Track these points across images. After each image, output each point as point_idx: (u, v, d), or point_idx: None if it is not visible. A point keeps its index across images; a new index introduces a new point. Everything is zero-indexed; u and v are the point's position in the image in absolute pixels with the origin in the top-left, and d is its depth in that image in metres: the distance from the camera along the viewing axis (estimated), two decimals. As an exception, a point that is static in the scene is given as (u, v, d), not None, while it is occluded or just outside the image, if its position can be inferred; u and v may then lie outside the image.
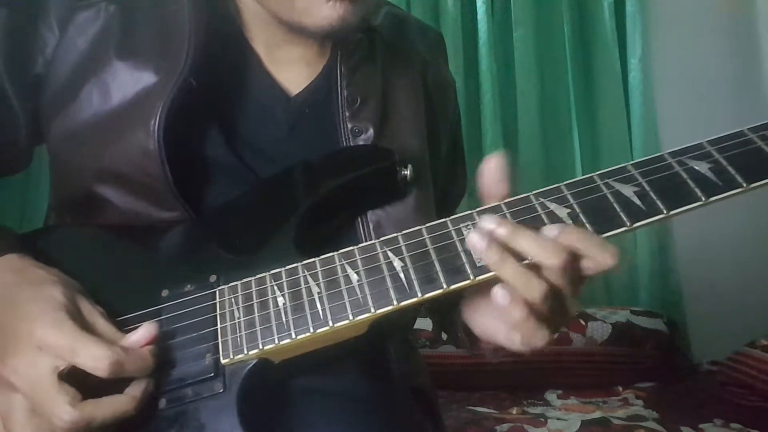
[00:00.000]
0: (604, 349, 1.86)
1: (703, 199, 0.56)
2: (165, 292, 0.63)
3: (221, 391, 0.57)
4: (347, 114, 0.73)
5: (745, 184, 0.56)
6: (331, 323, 0.57)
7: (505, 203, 0.59)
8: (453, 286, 0.56)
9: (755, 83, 2.05)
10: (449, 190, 0.91)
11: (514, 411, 1.63)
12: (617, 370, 1.85)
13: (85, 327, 0.55)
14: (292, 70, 0.76)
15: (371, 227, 0.70)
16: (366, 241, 0.68)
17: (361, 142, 0.73)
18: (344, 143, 0.73)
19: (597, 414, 1.57)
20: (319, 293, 0.58)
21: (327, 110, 0.74)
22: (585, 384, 1.82)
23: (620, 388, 1.79)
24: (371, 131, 0.73)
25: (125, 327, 0.60)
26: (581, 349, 1.87)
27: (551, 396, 1.79)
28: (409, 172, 0.69)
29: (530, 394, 1.79)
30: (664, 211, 0.56)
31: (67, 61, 0.70)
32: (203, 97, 0.69)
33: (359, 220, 0.70)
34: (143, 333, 0.57)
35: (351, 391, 0.67)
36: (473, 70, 2.24)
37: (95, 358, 0.53)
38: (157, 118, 0.65)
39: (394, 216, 0.71)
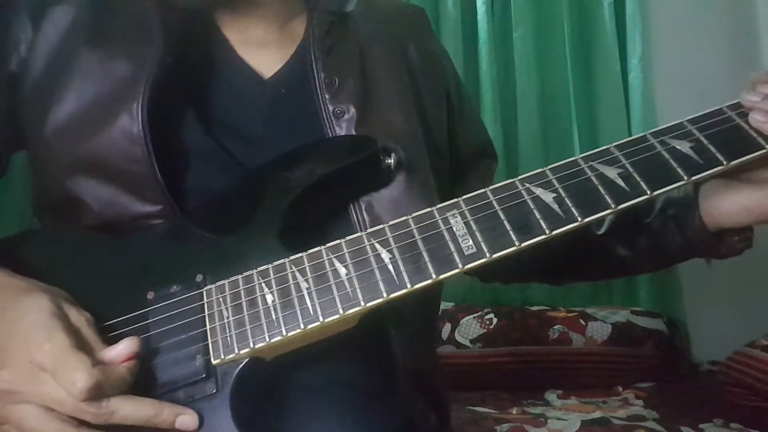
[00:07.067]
0: (604, 349, 1.86)
1: (686, 178, 0.57)
2: (150, 294, 0.61)
3: (214, 392, 0.57)
4: (327, 96, 0.73)
5: (725, 162, 0.58)
6: (321, 318, 0.57)
7: (490, 189, 0.60)
8: (442, 276, 0.56)
9: (755, 83, 2.04)
10: (472, 146, 0.91)
11: (514, 411, 1.63)
12: (617, 370, 1.85)
13: (75, 335, 0.54)
14: (264, 54, 0.76)
15: (364, 210, 0.69)
16: (360, 226, 0.68)
17: (344, 124, 0.72)
18: (326, 125, 0.72)
19: (597, 414, 1.56)
20: (308, 288, 0.58)
21: (305, 93, 0.74)
22: (585, 384, 1.82)
23: (620, 388, 1.78)
24: (353, 111, 0.72)
25: (111, 333, 0.59)
26: (581, 349, 1.86)
27: (551, 396, 1.79)
28: (392, 160, 0.69)
29: (530, 394, 1.79)
30: (648, 192, 0.57)
31: (42, 57, 0.69)
32: (179, 83, 0.69)
33: (352, 206, 0.70)
34: (124, 349, 0.55)
35: (348, 380, 0.67)
36: (473, 70, 2.24)
37: (72, 383, 0.50)
38: (140, 101, 0.65)
39: (387, 198, 0.70)
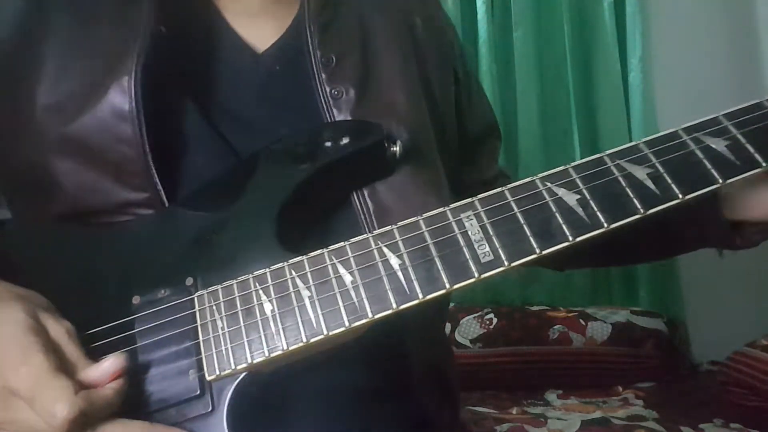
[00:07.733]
0: (604, 349, 1.85)
1: (721, 181, 0.52)
2: (136, 299, 0.55)
3: (209, 410, 0.51)
4: (324, 76, 0.68)
5: (765, 164, 0.53)
6: (325, 331, 0.51)
7: (509, 189, 0.54)
8: (456, 285, 0.51)
9: (755, 83, 2.04)
10: (480, 126, 0.87)
11: (514, 411, 1.63)
12: (617, 370, 1.85)
13: (54, 353, 0.48)
14: (258, 25, 0.72)
15: (368, 197, 0.65)
16: (363, 213, 0.64)
17: (342, 106, 0.67)
18: (323, 107, 0.67)
19: (597, 414, 1.56)
20: (310, 297, 0.52)
21: (300, 70, 0.69)
22: (585, 384, 1.82)
23: (620, 388, 1.78)
24: (352, 92, 0.67)
25: (93, 344, 0.53)
26: (581, 349, 1.86)
27: (551, 396, 1.79)
28: (398, 148, 0.64)
29: (530, 394, 1.79)
30: (680, 196, 0.52)
31: (11, 13, 0.64)
32: (171, 56, 0.64)
33: (354, 191, 0.65)
34: (109, 367, 0.49)
35: (358, 383, 0.63)
36: (473, 70, 2.23)
37: (51, 415, 0.45)
38: (132, 74, 0.59)
39: (392, 184, 0.66)
